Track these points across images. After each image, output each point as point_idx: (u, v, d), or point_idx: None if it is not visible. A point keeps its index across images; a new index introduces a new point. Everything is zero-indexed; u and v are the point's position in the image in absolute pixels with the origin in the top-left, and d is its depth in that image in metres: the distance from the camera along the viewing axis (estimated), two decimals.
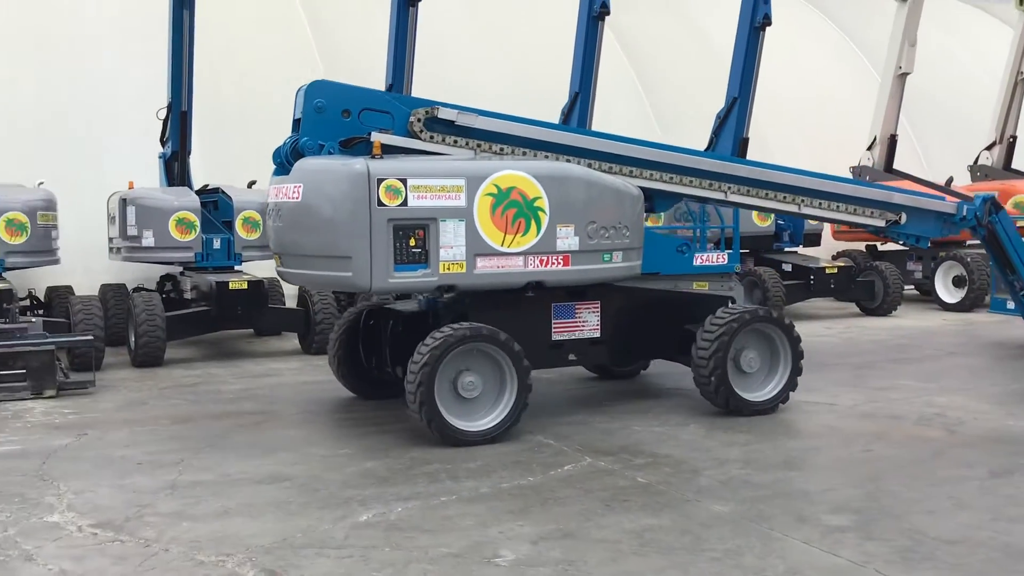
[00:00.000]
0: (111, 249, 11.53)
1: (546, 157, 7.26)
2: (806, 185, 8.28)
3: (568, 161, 7.26)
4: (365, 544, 4.65)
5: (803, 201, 8.23)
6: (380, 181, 6.27)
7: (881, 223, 8.45)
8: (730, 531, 4.80)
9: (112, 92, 13.42)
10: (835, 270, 13.43)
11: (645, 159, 7.75)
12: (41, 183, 11.08)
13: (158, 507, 5.26)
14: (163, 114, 11.38)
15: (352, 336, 7.87)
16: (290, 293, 12.05)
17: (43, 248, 10.50)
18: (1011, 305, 9.75)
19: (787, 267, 13.48)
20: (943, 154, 18.39)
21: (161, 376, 9.46)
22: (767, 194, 8.18)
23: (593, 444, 6.56)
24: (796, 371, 7.45)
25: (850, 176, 16.28)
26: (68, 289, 11.26)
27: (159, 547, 4.64)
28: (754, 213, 13.38)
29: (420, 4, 12.36)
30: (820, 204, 8.27)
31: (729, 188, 8.04)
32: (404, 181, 6.33)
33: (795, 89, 18.90)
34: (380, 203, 6.27)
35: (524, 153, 7.26)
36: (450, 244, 6.44)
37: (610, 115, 15.79)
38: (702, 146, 12.74)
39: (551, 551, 4.54)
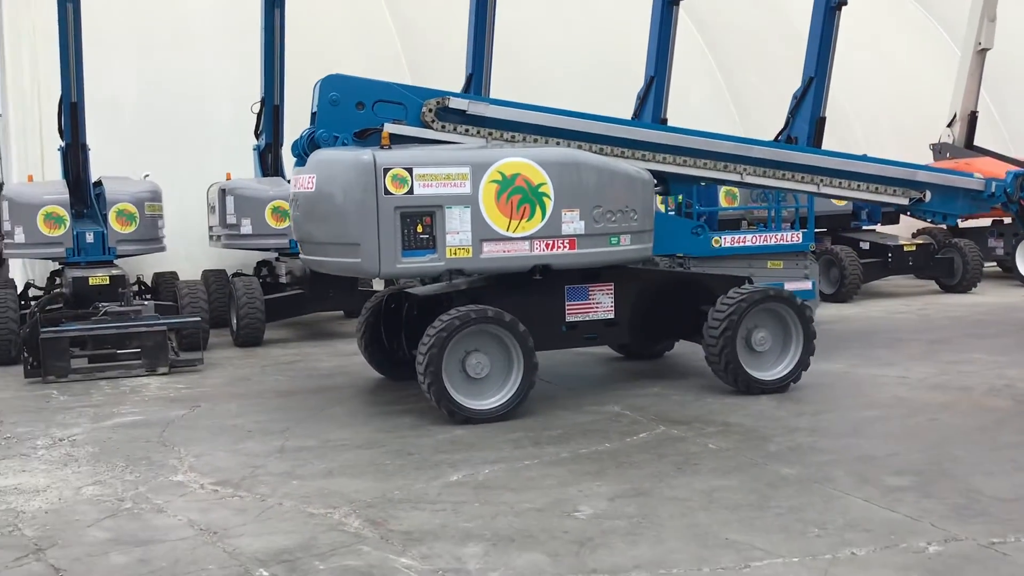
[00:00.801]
0: (211, 237, 12.24)
1: (557, 143, 7.45)
2: (824, 164, 8.37)
3: (580, 147, 7.46)
4: (456, 500, 5.12)
5: (822, 181, 8.30)
6: (387, 170, 6.54)
7: (904, 201, 8.49)
8: (795, 491, 5.13)
9: (210, 88, 14.16)
10: (913, 248, 13.45)
11: (656, 142, 7.91)
12: (147, 175, 11.83)
13: (269, 468, 5.82)
14: (257, 108, 12.02)
15: (377, 319, 8.19)
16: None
17: (151, 236, 11.23)
18: None
19: (864, 245, 13.55)
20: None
21: (261, 355, 10.12)
22: (784, 174, 8.25)
23: (667, 414, 6.93)
24: (808, 350, 7.48)
25: (930, 153, 16.26)
26: (173, 275, 12.01)
27: (274, 501, 5.18)
28: None
29: None
30: (840, 184, 8.34)
31: (745, 170, 8.15)
32: (410, 170, 6.59)
33: (876, 67, 18.74)
34: (387, 191, 6.54)
35: (535, 140, 7.44)
36: (456, 230, 6.68)
37: (687, 98, 15.99)
38: (778, 126, 12.92)
39: (626, 507, 4.94)
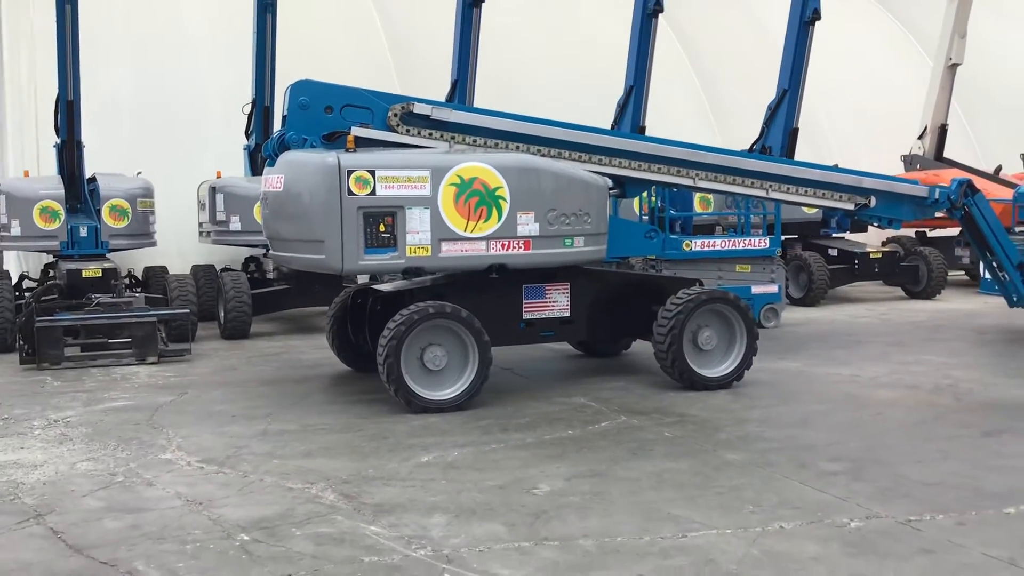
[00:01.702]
0: (201, 233, 12.63)
1: (517, 148, 7.81)
2: (772, 171, 8.78)
3: (539, 151, 7.85)
4: (425, 478, 5.54)
5: (771, 186, 8.72)
6: (351, 172, 6.92)
7: (850, 207, 8.91)
8: (737, 473, 5.57)
9: (202, 89, 14.56)
10: (879, 255, 13.94)
11: (612, 148, 8.26)
12: (139, 173, 12.22)
13: (252, 448, 6.22)
14: (248, 109, 12.41)
15: (344, 314, 8.57)
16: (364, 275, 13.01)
17: (142, 232, 11.62)
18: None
19: (833, 252, 14.02)
20: (997, 142, 18.60)
21: (247, 347, 10.51)
22: (735, 180, 8.64)
23: (629, 406, 7.36)
24: (751, 350, 7.90)
25: (900, 163, 16.77)
26: (163, 269, 12.39)
27: (255, 477, 5.59)
28: None
29: (483, 5, 13.22)
30: (788, 189, 8.77)
31: (697, 175, 8.52)
32: (373, 172, 6.98)
33: (851, 79, 19.27)
34: (350, 192, 6.92)
35: (496, 144, 7.80)
36: (416, 230, 7.06)
37: (666, 107, 16.44)
38: (755, 136, 13.38)
39: (581, 485, 5.37)
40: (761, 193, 8.81)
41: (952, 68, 16.06)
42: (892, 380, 8.22)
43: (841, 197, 8.91)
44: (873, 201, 8.93)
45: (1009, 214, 11.25)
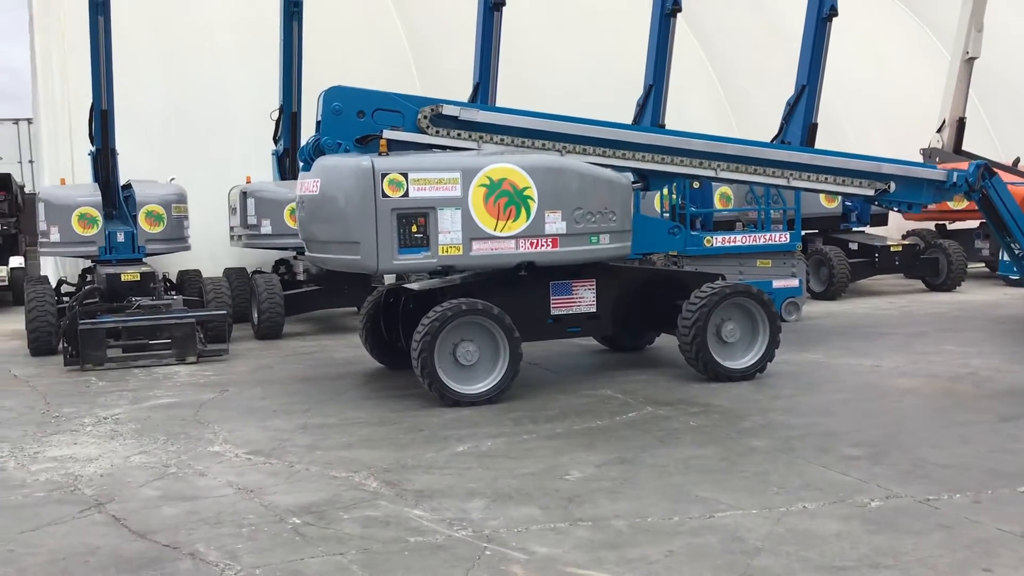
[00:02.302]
0: (232, 237, 12.96)
1: (543, 145, 8.03)
2: (792, 159, 8.93)
3: (564, 148, 8.07)
4: (462, 466, 5.80)
5: (792, 175, 8.88)
6: (384, 175, 7.18)
7: (870, 192, 9.07)
8: (761, 459, 5.79)
9: (230, 96, 14.90)
10: (899, 248, 14.09)
11: (635, 142, 8.45)
12: (172, 179, 12.55)
13: (295, 441, 6.50)
14: (276, 115, 12.73)
15: (377, 313, 8.83)
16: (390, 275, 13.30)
17: (177, 236, 11.95)
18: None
19: (853, 246, 14.18)
20: (1016, 135, 18.68)
21: (281, 346, 10.82)
22: (755, 169, 8.79)
23: (655, 397, 7.59)
24: (774, 342, 8.12)
25: (919, 157, 16.88)
26: (197, 272, 12.70)
27: (301, 467, 5.86)
28: (821, 195, 14.14)
29: (504, 8, 13.47)
30: (808, 177, 8.93)
31: (719, 166, 8.70)
32: (405, 175, 7.23)
33: (869, 74, 19.40)
34: (384, 194, 7.18)
35: (523, 143, 8.02)
36: (448, 229, 7.31)
37: (686, 105, 16.66)
38: (774, 132, 13.56)
39: (611, 471, 5.61)
40: (782, 181, 8.97)
41: (969, 62, 16.17)
42: (912, 369, 8.41)
43: (861, 183, 9.06)
44: (893, 186, 9.08)
45: None
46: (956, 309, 12.33)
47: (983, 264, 15.82)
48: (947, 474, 5.38)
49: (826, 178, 9.01)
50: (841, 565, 4.13)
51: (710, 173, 8.78)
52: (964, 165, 14.77)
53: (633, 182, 8.99)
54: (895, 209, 9.76)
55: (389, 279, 11.19)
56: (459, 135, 8.05)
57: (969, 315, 11.78)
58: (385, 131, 7.83)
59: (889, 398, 7.39)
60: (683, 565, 4.19)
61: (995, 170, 9.36)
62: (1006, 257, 10.46)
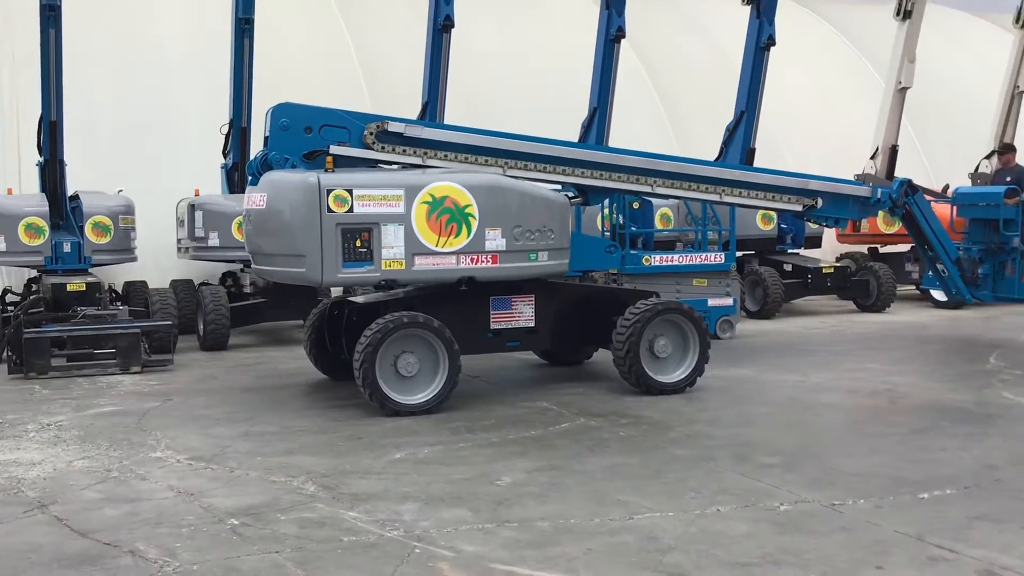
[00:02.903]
0: (179, 249, 13.05)
1: (486, 161, 8.33)
2: (724, 176, 9.34)
3: (507, 164, 8.38)
4: (398, 472, 6.03)
5: (724, 191, 9.26)
6: (330, 191, 7.40)
7: (799, 207, 9.51)
8: (683, 467, 6.10)
9: (181, 110, 15.00)
10: (831, 270, 14.59)
11: (576, 159, 8.76)
12: (120, 190, 12.63)
13: (236, 447, 6.69)
14: (225, 130, 12.87)
15: (321, 325, 9.04)
16: (336, 289, 13.47)
17: (124, 247, 12.04)
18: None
19: (787, 267, 14.66)
20: (948, 161, 19.41)
21: (226, 357, 10.95)
22: (689, 186, 9.16)
23: (589, 408, 7.89)
24: (704, 358, 8.44)
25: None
26: (143, 284, 12.77)
27: (241, 472, 6.05)
28: (758, 217, 14.63)
29: (453, 30, 13.79)
30: (740, 193, 9.32)
31: (655, 182, 9.04)
32: (350, 191, 7.46)
33: (806, 101, 20.04)
34: (330, 210, 7.39)
35: (467, 159, 8.31)
36: (391, 245, 7.54)
37: (630, 127, 17.08)
38: (715, 156, 14.00)
39: (540, 477, 5.89)
40: (715, 197, 9.33)
41: (902, 91, 16.73)
42: (834, 385, 8.81)
43: (790, 199, 9.49)
44: (820, 202, 9.52)
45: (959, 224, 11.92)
46: (884, 329, 12.82)
47: (913, 286, 16.39)
48: (854, 481, 5.73)
49: (757, 194, 9.41)
50: (746, 562, 4.44)
51: (646, 188, 9.11)
52: None
53: (573, 197, 9.31)
54: (823, 224, 10.21)
55: (335, 292, 11.39)
56: (404, 151, 8.30)
57: (895, 335, 12.28)
58: (332, 147, 8.04)
59: (809, 411, 7.76)
60: (600, 562, 4.47)
61: (917, 187, 9.86)
62: (930, 272, 11.02)
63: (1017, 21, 17.56)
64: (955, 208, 11.90)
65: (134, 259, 12.47)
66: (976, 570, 4.30)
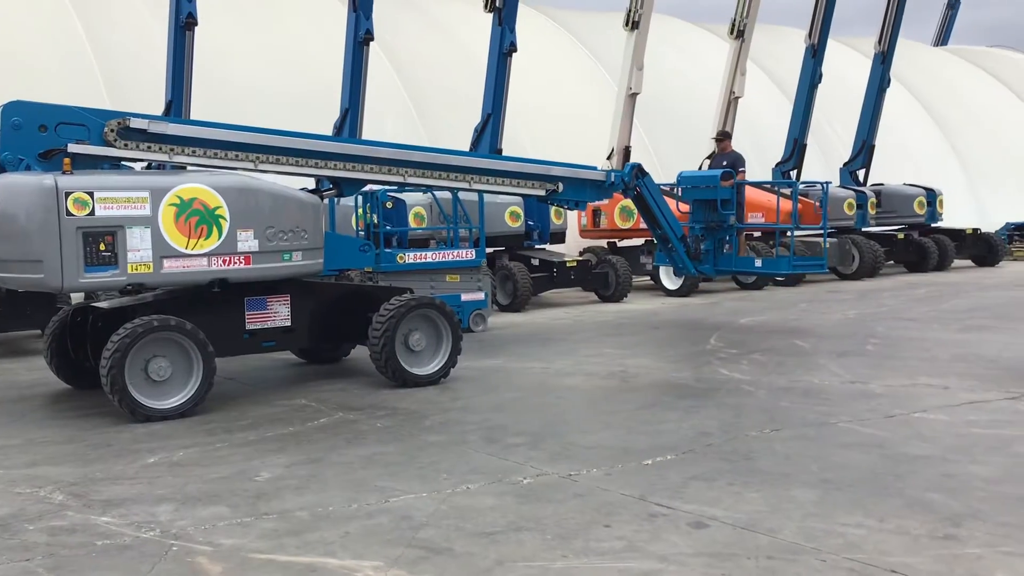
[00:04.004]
0: None
1: (236, 157, 8.35)
2: (472, 164, 9.93)
3: (257, 159, 8.45)
4: (152, 475, 6.01)
5: (472, 178, 9.85)
6: (68, 194, 7.19)
7: (542, 192, 10.32)
8: (437, 452, 6.47)
9: None
10: (574, 264, 15.56)
11: (326, 151, 8.95)
12: None
13: None
14: None
15: (63, 333, 8.79)
16: (77, 296, 12.85)
17: None
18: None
19: (535, 262, 15.48)
20: (675, 158, 21.09)
21: None
22: (440, 175, 9.60)
23: (347, 403, 8.11)
24: (456, 350, 8.90)
25: None
26: None
27: None
28: (507, 215, 15.34)
29: (196, 29, 13.52)
30: (488, 180, 9.94)
31: (406, 172, 9.40)
32: (91, 194, 7.30)
33: (549, 104, 21.14)
34: (69, 213, 7.19)
35: (216, 154, 8.28)
36: (137, 248, 7.43)
37: (382, 129, 17.37)
38: None
39: (299, 471, 6.06)
40: (464, 185, 9.78)
41: (632, 96, 18.12)
42: (575, 370, 9.50)
43: (534, 185, 10.16)
44: (561, 187, 10.28)
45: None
46: (620, 317, 13.85)
47: (648, 277, 17.74)
48: (589, 454, 6.31)
49: (504, 181, 9.98)
50: (491, 531, 4.84)
51: (398, 179, 9.39)
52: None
53: (327, 189, 9.46)
54: (565, 207, 10.96)
55: (77, 298, 10.90)
56: (149, 148, 8.12)
57: (630, 322, 13.31)
58: (70, 145, 7.75)
59: (553, 394, 8.37)
60: (356, 542, 4.73)
61: (646, 171, 10.94)
62: (660, 250, 12.15)
63: (731, 32, 19.44)
64: (679, 190, 13.12)
65: None
66: (688, 522, 4.93)
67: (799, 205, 16.07)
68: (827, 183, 14.83)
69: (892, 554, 4.40)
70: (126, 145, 8.00)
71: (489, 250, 14.68)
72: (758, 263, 13.44)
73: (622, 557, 4.47)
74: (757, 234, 17.79)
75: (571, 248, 17.75)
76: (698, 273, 12.56)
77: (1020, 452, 6.09)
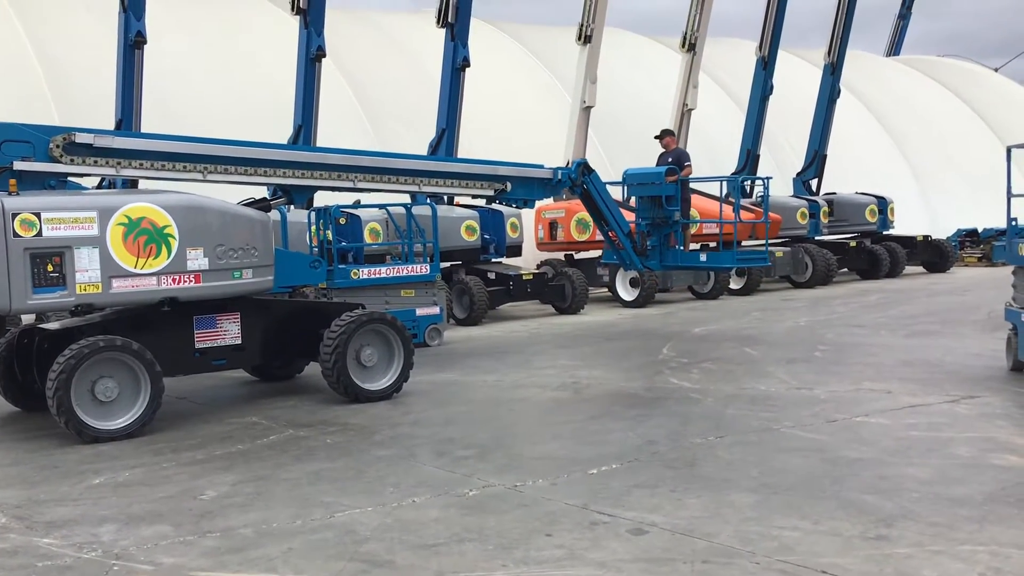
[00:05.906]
0: None
1: (184, 168, 8.33)
2: (421, 167, 9.98)
3: (207, 168, 8.44)
4: (97, 496, 5.98)
5: (422, 181, 9.87)
6: (15, 215, 7.14)
7: (491, 192, 10.41)
8: (386, 466, 6.49)
9: None
10: (531, 276, 15.63)
11: (275, 159, 8.95)
12: None
13: None
14: None
15: (10, 355, 8.69)
16: (28, 317, 12.71)
17: None
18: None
19: (491, 275, 15.52)
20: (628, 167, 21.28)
21: None
22: (390, 179, 9.60)
23: (297, 420, 8.10)
24: (408, 364, 8.89)
25: None
26: None
27: None
28: (462, 229, 15.40)
29: (147, 46, 13.47)
30: (437, 182, 9.98)
31: (356, 177, 9.40)
32: (38, 215, 7.24)
33: (503, 118, 21.25)
34: (16, 234, 7.13)
35: (164, 166, 8.24)
36: (86, 268, 7.38)
37: (338, 144, 17.36)
38: None
39: (246, 488, 6.05)
40: (414, 188, 9.82)
41: (587, 110, 18.27)
42: (528, 382, 9.56)
43: (483, 185, 10.25)
44: (509, 186, 10.38)
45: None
46: (576, 329, 13.94)
47: (605, 288, 17.85)
48: (536, 465, 6.36)
49: (453, 182, 10.05)
50: (434, 543, 4.88)
51: (348, 184, 9.40)
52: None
53: (277, 197, 9.45)
54: (513, 205, 11.03)
55: (26, 320, 10.79)
56: (96, 162, 8.07)
57: (586, 334, 13.40)
58: (16, 162, 7.70)
59: (504, 407, 8.42)
60: (299, 558, 4.75)
61: (592, 168, 11.13)
62: (607, 247, 12.30)
63: (683, 45, 19.69)
64: (626, 187, 13.29)
65: None
66: (628, 529, 5.00)
67: (751, 215, 16.29)
68: (768, 178, 15.11)
69: (824, 555, 4.50)
70: (72, 160, 7.95)
71: (445, 264, 14.71)
72: (703, 257, 13.62)
73: (562, 565, 4.53)
74: (713, 244, 17.98)
75: (528, 261, 17.83)
76: (644, 268, 12.73)
77: (955, 454, 6.24)
